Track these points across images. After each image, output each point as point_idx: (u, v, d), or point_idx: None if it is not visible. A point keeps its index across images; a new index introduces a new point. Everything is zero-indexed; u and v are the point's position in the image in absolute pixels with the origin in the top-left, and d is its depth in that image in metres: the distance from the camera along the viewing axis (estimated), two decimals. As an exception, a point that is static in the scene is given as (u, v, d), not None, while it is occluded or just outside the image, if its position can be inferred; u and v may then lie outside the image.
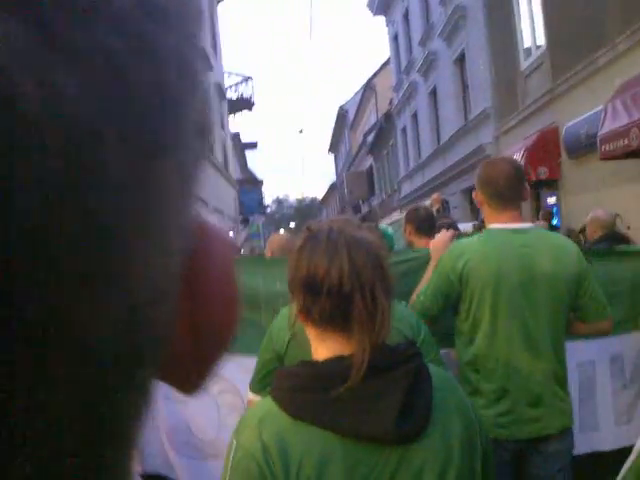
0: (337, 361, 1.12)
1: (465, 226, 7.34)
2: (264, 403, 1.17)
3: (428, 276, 2.56)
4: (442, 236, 2.80)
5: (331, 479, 1.06)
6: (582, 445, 2.67)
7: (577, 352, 2.61)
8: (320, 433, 1.08)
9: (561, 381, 2.40)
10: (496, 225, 2.45)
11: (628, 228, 7.22)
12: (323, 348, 1.18)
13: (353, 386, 1.07)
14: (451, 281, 2.37)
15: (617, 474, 1.53)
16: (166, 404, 2.72)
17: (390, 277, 1.16)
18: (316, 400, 1.09)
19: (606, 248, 3.19)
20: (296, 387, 1.12)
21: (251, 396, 2.19)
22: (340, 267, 1.11)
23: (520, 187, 2.45)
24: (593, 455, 2.88)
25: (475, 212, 14.60)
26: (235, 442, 1.11)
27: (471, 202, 16.52)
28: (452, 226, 4.18)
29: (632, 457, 1.60)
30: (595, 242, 5.22)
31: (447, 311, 2.47)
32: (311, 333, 1.21)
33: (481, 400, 2.31)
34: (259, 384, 2.15)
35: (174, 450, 2.75)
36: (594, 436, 2.93)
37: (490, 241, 2.41)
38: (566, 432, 2.41)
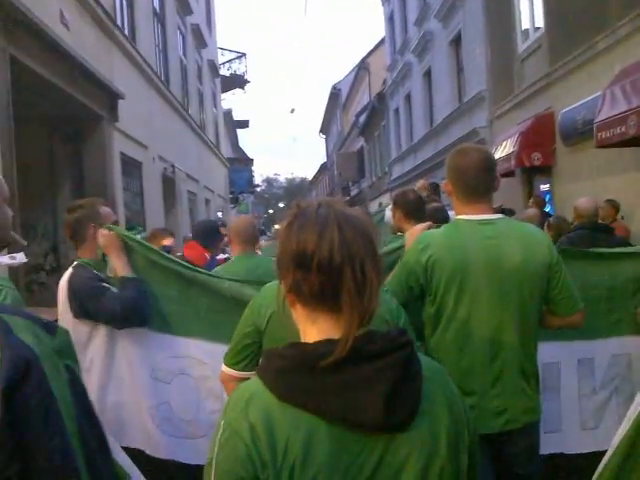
0: (326, 344, 1.09)
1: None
2: (252, 383, 1.15)
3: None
4: (418, 227, 2.76)
5: (316, 462, 1.05)
6: (545, 446, 2.63)
7: (542, 353, 2.56)
8: (307, 416, 1.07)
9: (528, 375, 2.35)
10: (463, 216, 2.40)
11: (622, 218, 7.18)
12: (312, 330, 1.15)
13: (337, 361, 1.05)
14: (416, 273, 2.34)
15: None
16: (152, 383, 2.83)
17: (379, 254, 1.14)
18: (304, 383, 1.08)
19: (579, 250, 3.06)
20: (284, 368, 1.11)
21: (224, 369, 2.20)
22: (330, 240, 1.09)
23: (490, 178, 2.38)
24: (554, 458, 2.88)
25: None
26: (223, 422, 1.10)
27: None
28: (442, 210, 4.09)
29: (609, 453, 1.57)
30: (572, 230, 5.14)
31: (413, 303, 2.42)
32: (300, 315, 1.18)
33: None
34: (234, 358, 2.16)
35: (155, 426, 2.84)
36: (557, 438, 2.88)
37: (456, 233, 2.36)
38: (533, 427, 2.37)
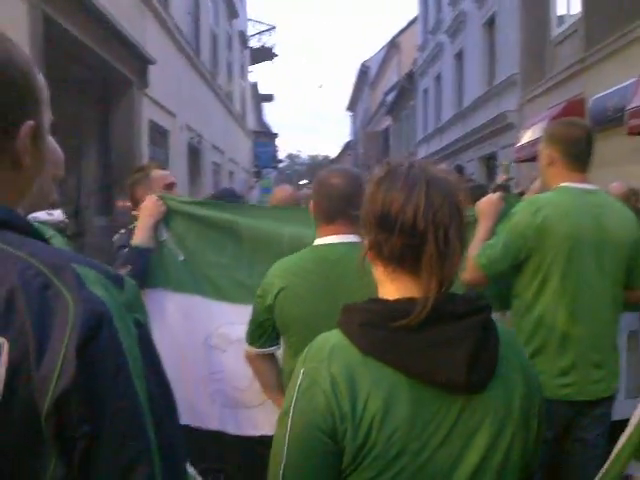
0: (408, 302, 1.10)
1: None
2: (332, 335, 1.15)
3: (480, 236, 2.48)
4: (489, 197, 2.72)
5: (395, 419, 1.06)
6: None
7: None
8: (389, 371, 1.07)
9: (615, 347, 2.45)
10: (570, 184, 2.43)
11: None
12: (391, 288, 1.16)
13: (414, 323, 1.06)
14: (526, 236, 2.33)
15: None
16: (207, 351, 2.75)
17: (464, 220, 1.13)
18: (387, 338, 1.08)
19: None
20: (367, 322, 1.11)
21: (246, 347, 2.22)
22: (416, 204, 1.08)
23: (592, 152, 2.49)
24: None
25: (492, 179, 14.43)
26: (302, 370, 1.11)
27: (488, 169, 16.35)
28: (480, 187, 4.12)
29: (617, 448, 1.61)
30: None
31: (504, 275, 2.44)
32: (380, 272, 1.18)
33: (543, 361, 2.32)
34: (252, 335, 2.18)
35: (207, 395, 2.77)
36: None
37: (567, 198, 2.40)
38: (613, 397, 2.47)
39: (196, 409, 2.74)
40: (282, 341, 2.15)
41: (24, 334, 0.72)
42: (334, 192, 1.98)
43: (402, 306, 1.09)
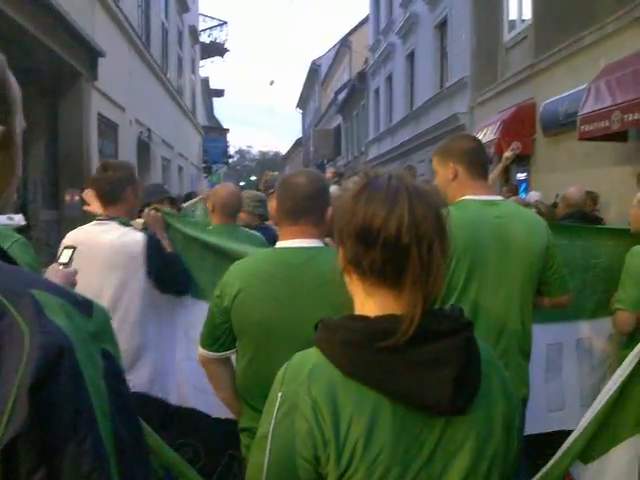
0: (390, 320, 1.05)
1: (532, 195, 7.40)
2: (311, 354, 1.10)
3: None
4: None
5: (378, 443, 1.02)
6: (550, 424, 2.70)
7: (547, 334, 2.64)
8: (371, 394, 1.03)
9: (525, 353, 2.42)
10: (469, 197, 2.43)
11: (597, 210, 7.29)
12: (371, 303, 1.10)
13: (400, 342, 1.02)
14: None
15: None
16: (185, 340, 3.04)
17: (448, 232, 1.09)
18: (370, 359, 1.03)
19: (571, 224, 3.16)
20: (349, 342, 1.06)
21: (201, 350, 2.12)
22: (400, 217, 1.03)
23: (487, 161, 2.55)
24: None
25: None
26: (280, 393, 1.06)
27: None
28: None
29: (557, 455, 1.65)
30: (561, 219, 5.25)
31: None
32: (357, 286, 1.13)
33: None
34: (207, 339, 2.09)
35: (184, 377, 3.02)
36: (560, 415, 2.97)
37: (465, 211, 2.37)
38: (523, 403, 2.44)
39: (178, 387, 3.02)
40: (237, 344, 2.06)
41: None
42: (298, 192, 1.94)
43: (385, 325, 1.05)
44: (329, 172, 4.26)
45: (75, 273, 1.99)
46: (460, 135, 2.66)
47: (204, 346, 2.10)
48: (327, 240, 2.64)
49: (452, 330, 1.06)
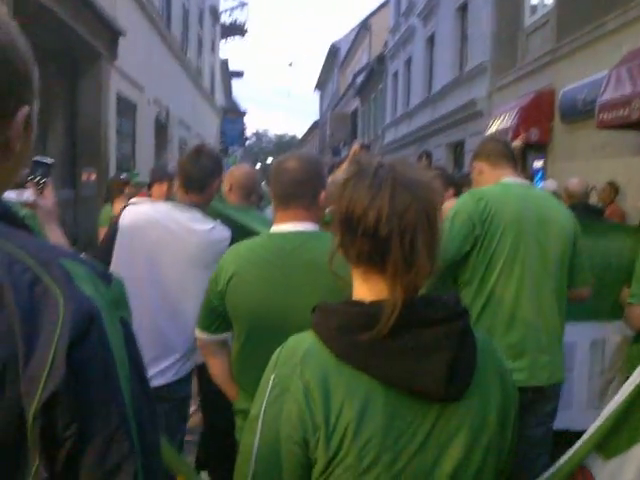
0: (383, 306, 1.05)
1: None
2: (306, 337, 1.11)
3: None
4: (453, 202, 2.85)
5: (369, 429, 1.03)
6: (558, 421, 2.71)
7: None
8: (365, 379, 1.04)
9: (560, 335, 2.50)
10: (508, 179, 2.56)
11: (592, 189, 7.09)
12: (365, 289, 1.12)
13: (381, 333, 1.02)
14: (472, 223, 2.39)
15: None
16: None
17: (437, 224, 1.07)
18: (364, 343, 1.04)
19: (598, 222, 3.16)
20: (344, 326, 1.07)
21: (198, 333, 2.15)
22: (379, 208, 1.03)
23: (515, 160, 2.69)
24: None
25: (460, 166, 14.56)
26: (273, 377, 1.07)
27: (455, 156, 16.49)
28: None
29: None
30: None
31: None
32: (353, 271, 1.15)
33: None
34: (204, 321, 2.11)
35: None
36: (567, 415, 2.95)
37: (508, 189, 2.51)
38: (560, 388, 2.52)
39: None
40: (233, 328, 2.08)
41: (12, 333, 0.70)
42: (286, 177, 1.96)
43: (377, 310, 1.05)
44: (356, 145, 4.25)
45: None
46: (487, 137, 2.89)
47: (201, 328, 2.12)
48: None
49: (447, 317, 1.07)
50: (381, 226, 1.03)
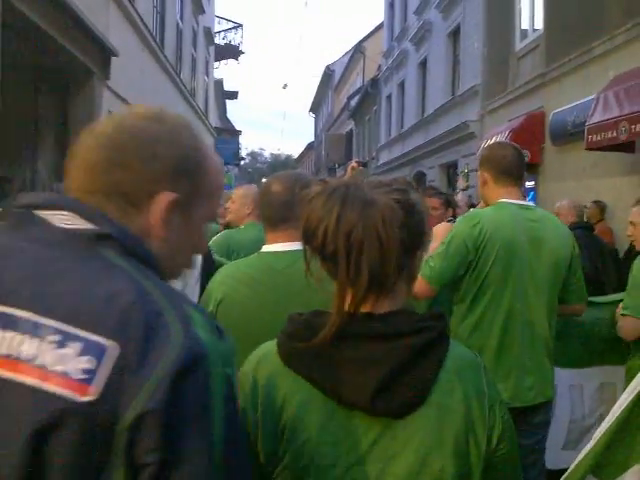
0: (326, 316, 1.10)
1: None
2: (268, 344, 1.18)
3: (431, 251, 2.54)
4: (445, 224, 2.92)
5: (305, 432, 1.06)
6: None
7: None
8: (306, 384, 1.08)
9: (550, 354, 2.51)
10: (506, 200, 2.55)
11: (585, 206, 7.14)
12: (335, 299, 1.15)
13: (317, 343, 1.06)
14: (467, 247, 2.42)
15: None
16: None
17: (389, 242, 1.04)
18: (305, 350, 1.08)
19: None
20: (292, 333, 1.13)
21: None
22: (325, 227, 1.06)
23: (523, 169, 2.63)
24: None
25: (453, 187, 14.63)
26: (239, 372, 1.13)
27: (449, 177, 16.58)
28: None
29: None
30: None
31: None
32: None
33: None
34: None
35: None
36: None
37: (502, 212, 2.51)
38: (550, 403, 2.54)
39: None
40: None
41: (132, 345, 0.74)
42: (273, 199, 1.98)
43: (321, 320, 1.08)
44: (354, 162, 4.28)
45: None
46: (495, 144, 2.80)
47: None
48: None
49: (396, 333, 1.06)
50: (327, 243, 1.06)
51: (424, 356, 1.07)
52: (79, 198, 0.90)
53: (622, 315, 2.75)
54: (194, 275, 2.65)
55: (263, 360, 1.14)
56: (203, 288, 2.31)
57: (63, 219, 0.86)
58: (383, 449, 1.05)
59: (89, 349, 0.73)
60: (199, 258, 2.46)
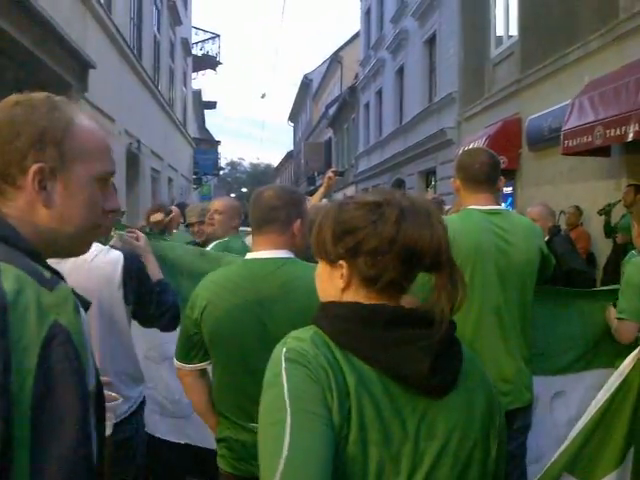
0: (380, 306, 1.14)
1: None
2: (306, 329, 1.16)
3: None
4: None
5: (364, 409, 1.06)
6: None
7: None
8: (359, 362, 1.10)
9: (526, 358, 2.51)
10: (474, 206, 2.57)
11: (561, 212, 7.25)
12: (360, 296, 1.19)
13: (387, 321, 1.11)
14: None
15: None
16: (143, 362, 2.78)
17: (358, 241, 1.13)
18: (357, 332, 1.11)
19: (551, 288, 3.11)
20: (340, 317, 1.14)
21: (177, 364, 2.16)
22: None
23: (495, 174, 2.61)
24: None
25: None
26: (285, 350, 1.09)
27: (427, 183, 16.70)
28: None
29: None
30: None
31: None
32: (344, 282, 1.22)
33: None
34: (182, 352, 2.13)
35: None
36: (537, 468, 2.91)
37: (468, 219, 2.51)
38: (529, 408, 2.53)
39: None
40: (211, 356, 2.10)
41: None
42: (262, 201, 2.05)
43: (375, 307, 1.13)
44: (330, 172, 4.32)
45: None
46: (467, 151, 2.79)
47: (179, 359, 2.14)
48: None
49: (431, 323, 1.12)
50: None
51: (453, 344, 1.16)
52: None
53: (618, 319, 2.73)
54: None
55: (315, 340, 1.12)
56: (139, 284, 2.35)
57: None
58: (428, 428, 1.11)
59: None
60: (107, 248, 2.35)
